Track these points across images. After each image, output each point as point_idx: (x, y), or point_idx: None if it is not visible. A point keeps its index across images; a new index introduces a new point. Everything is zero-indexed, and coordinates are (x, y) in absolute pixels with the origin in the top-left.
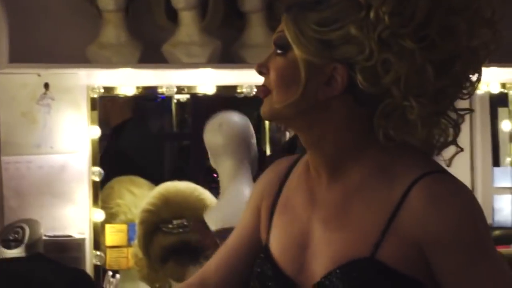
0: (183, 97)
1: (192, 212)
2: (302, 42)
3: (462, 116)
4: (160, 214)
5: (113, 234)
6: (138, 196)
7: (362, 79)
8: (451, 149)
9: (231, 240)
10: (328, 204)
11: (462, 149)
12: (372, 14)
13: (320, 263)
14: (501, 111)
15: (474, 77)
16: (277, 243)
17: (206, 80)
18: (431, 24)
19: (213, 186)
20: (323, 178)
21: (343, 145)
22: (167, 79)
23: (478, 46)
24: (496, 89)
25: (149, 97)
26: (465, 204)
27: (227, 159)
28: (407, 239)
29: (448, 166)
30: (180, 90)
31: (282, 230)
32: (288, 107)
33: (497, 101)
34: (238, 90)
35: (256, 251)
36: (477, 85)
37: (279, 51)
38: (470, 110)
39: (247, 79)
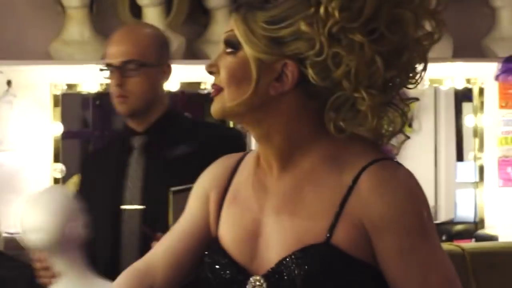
0: None
1: None
2: (252, 41)
3: (408, 105)
4: None
5: None
6: None
7: (313, 74)
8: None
9: (179, 226)
10: (279, 193)
11: (408, 137)
12: (321, 10)
13: (273, 250)
14: (466, 106)
15: (419, 67)
16: (227, 234)
17: (170, 76)
18: (379, 17)
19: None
20: (274, 169)
21: (294, 137)
22: None
23: (423, 36)
24: (460, 85)
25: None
26: (408, 190)
27: None
28: (355, 224)
29: (396, 154)
30: None
31: (232, 222)
32: (239, 105)
33: (462, 96)
34: (202, 87)
35: (205, 239)
36: (423, 74)
37: (228, 50)
38: (415, 99)
39: (211, 76)
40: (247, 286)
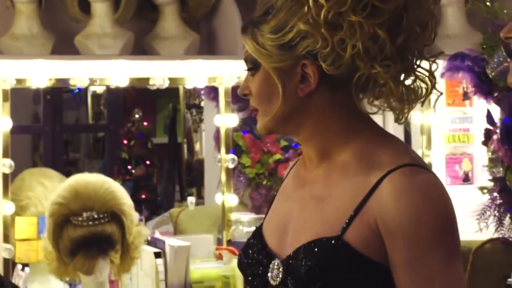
0: (100, 89)
1: (102, 204)
2: (265, 54)
3: (434, 61)
4: (70, 206)
5: (23, 227)
6: (49, 188)
7: (327, 65)
8: None
9: None
10: (311, 184)
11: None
12: (311, 4)
13: (295, 238)
14: None
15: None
16: (268, 221)
17: (119, 72)
18: None
19: (127, 179)
20: (313, 163)
21: (330, 135)
22: (79, 71)
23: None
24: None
25: (65, 88)
26: (427, 199)
27: None
28: (370, 224)
29: (422, 105)
30: (92, 82)
31: (274, 210)
32: (276, 118)
33: None
34: (151, 82)
35: None
36: (435, 27)
37: (251, 71)
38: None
39: (159, 71)
40: (269, 269)
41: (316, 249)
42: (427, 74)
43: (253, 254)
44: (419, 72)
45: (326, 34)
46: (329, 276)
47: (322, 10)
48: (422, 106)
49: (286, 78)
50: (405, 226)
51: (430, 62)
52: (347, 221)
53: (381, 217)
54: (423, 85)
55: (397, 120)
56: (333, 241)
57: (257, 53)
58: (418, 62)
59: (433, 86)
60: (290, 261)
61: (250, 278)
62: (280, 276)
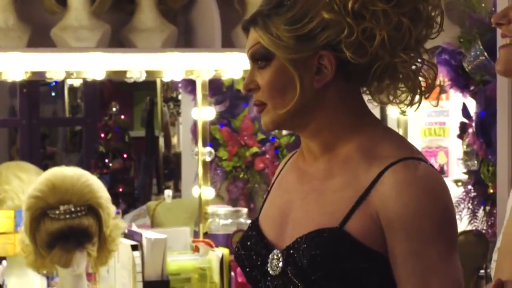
0: (77, 82)
1: (79, 197)
2: (282, 46)
3: (433, 53)
4: (47, 200)
5: (0, 221)
6: (26, 181)
7: (352, 54)
8: None
9: None
10: (312, 176)
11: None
12: None
13: (296, 229)
14: None
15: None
16: (264, 213)
17: (95, 64)
18: None
19: (104, 172)
20: (314, 156)
21: (338, 128)
22: (56, 64)
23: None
24: None
25: (42, 82)
26: (428, 193)
27: None
28: (372, 215)
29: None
30: (69, 75)
31: (271, 203)
32: (291, 111)
33: None
34: (128, 75)
35: None
36: (442, 20)
37: (261, 64)
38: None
39: (136, 64)
40: (268, 260)
41: (317, 239)
42: (432, 65)
43: (251, 246)
44: (426, 63)
45: (352, 22)
46: (330, 266)
47: None
48: (427, 98)
49: (302, 69)
50: (407, 218)
51: (430, 53)
52: (348, 212)
53: (383, 209)
54: (427, 76)
55: (403, 111)
56: (334, 231)
57: (274, 46)
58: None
59: (435, 78)
60: (291, 251)
61: (248, 270)
62: (280, 266)
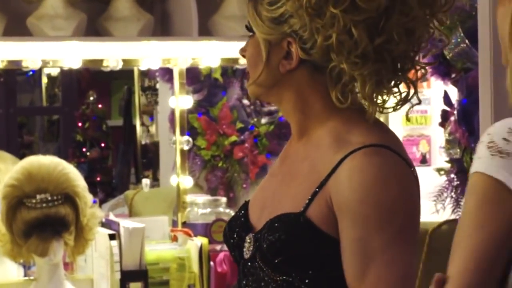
0: (54, 72)
1: (56, 186)
2: (259, 23)
3: (425, 69)
4: (23, 188)
5: None
6: (3, 171)
7: (301, 49)
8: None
9: None
10: (291, 157)
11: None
12: None
13: (268, 213)
14: None
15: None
16: (254, 195)
17: (72, 53)
18: None
19: (82, 161)
20: (295, 137)
21: (309, 113)
22: (32, 53)
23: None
24: None
25: (19, 71)
26: (379, 179)
27: None
28: (327, 201)
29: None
30: (45, 63)
31: (261, 186)
32: (258, 85)
33: None
34: (104, 64)
35: None
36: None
37: (250, 34)
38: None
39: (113, 53)
40: (245, 242)
41: (277, 224)
42: (407, 80)
43: (235, 227)
44: (401, 76)
45: (306, 18)
46: (289, 251)
47: None
48: (393, 111)
49: (272, 50)
50: (353, 204)
51: (417, 68)
52: (309, 197)
53: (335, 194)
54: (404, 90)
55: (367, 117)
56: (294, 217)
57: (253, 21)
58: (406, 67)
59: (406, 98)
60: (258, 235)
61: (230, 249)
62: (251, 249)
